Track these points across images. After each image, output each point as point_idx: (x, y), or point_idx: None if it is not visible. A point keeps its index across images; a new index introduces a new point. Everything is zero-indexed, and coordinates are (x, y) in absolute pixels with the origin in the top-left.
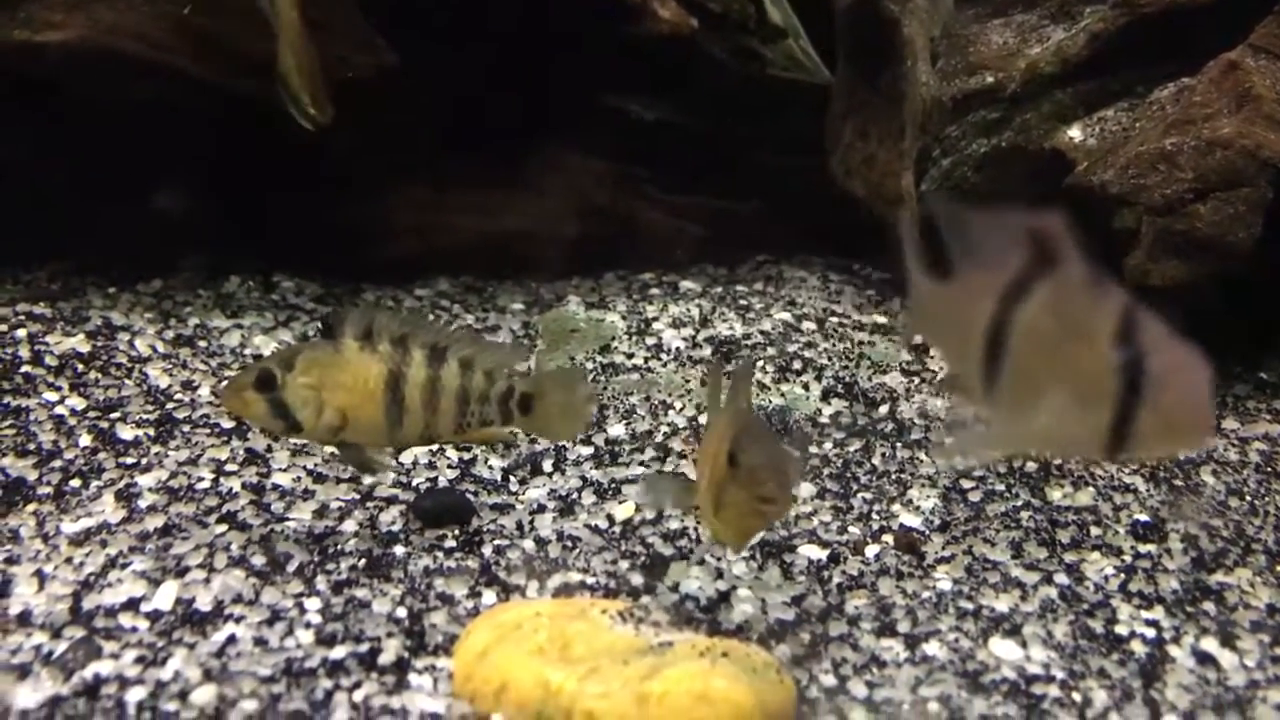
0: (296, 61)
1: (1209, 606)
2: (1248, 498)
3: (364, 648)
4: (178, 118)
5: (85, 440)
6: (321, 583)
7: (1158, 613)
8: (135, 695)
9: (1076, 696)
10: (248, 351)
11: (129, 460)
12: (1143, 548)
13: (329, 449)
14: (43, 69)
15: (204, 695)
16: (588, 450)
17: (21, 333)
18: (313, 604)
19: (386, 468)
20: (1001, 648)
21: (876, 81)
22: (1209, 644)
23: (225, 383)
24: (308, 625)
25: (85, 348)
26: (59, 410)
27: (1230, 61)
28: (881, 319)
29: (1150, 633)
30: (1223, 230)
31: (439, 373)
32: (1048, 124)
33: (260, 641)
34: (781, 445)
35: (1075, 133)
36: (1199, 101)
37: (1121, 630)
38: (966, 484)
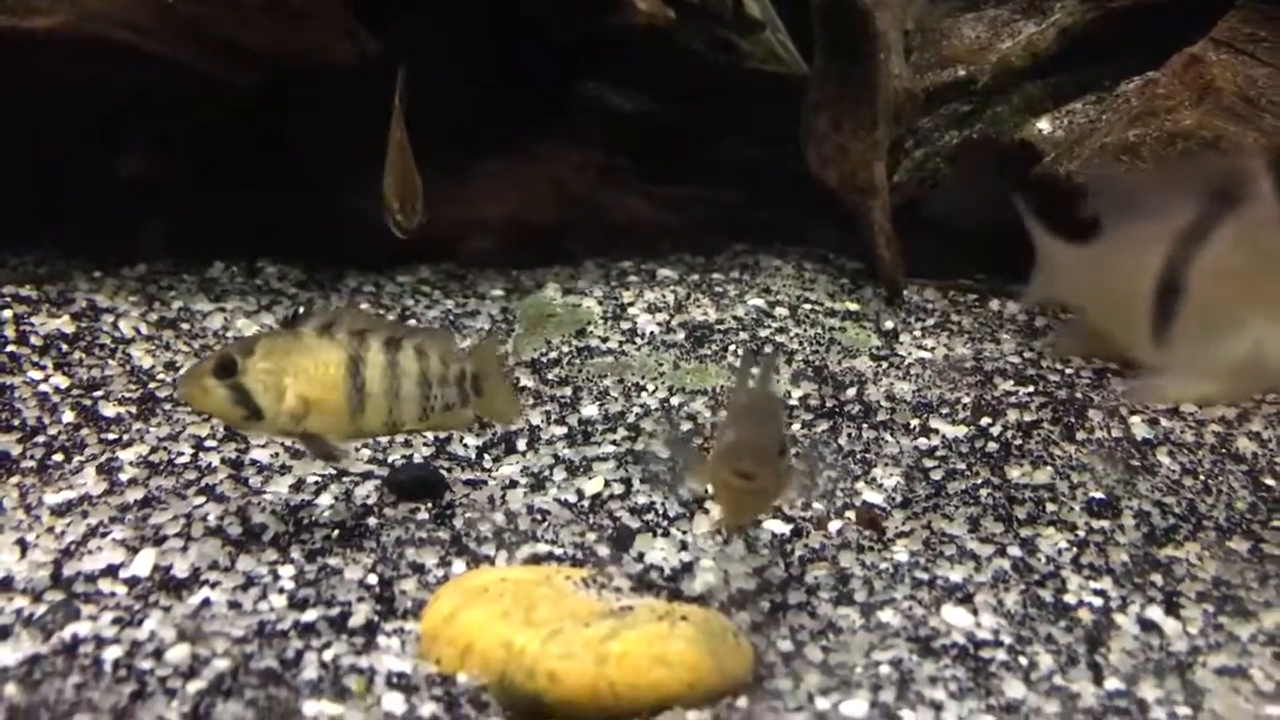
0: (393, 177)
1: (1157, 578)
2: (1201, 477)
3: (335, 611)
4: (162, 105)
5: (68, 417)
6: (296, 551)
7: (1106, 583)
8: (112, 654)
9: (1023, 660)
10: (230, 334)
11: (111, 436)
12: (1096, 523)
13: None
14: (27, 55)
15: (178, 654)
16: (561, 430)
17: (7, 313)
18: (286, 571)
19: (348, 455)
20: (953, 615)
21: (850, 74)
22: (1154, 613)
23: (181, 375)
24: (281, 590)
25: (70, 329)
26: (43, 388)
27: (1192, 55)
28: (854, 306)
29: (1098, 601)
30: None
31: (396, 358)
32: (1017, 116)
33: (234, 605)
34: (776, 428)
35: (1044, 125)
36: (1162, 94)
37: (1070, 599)
38: (929, 463)
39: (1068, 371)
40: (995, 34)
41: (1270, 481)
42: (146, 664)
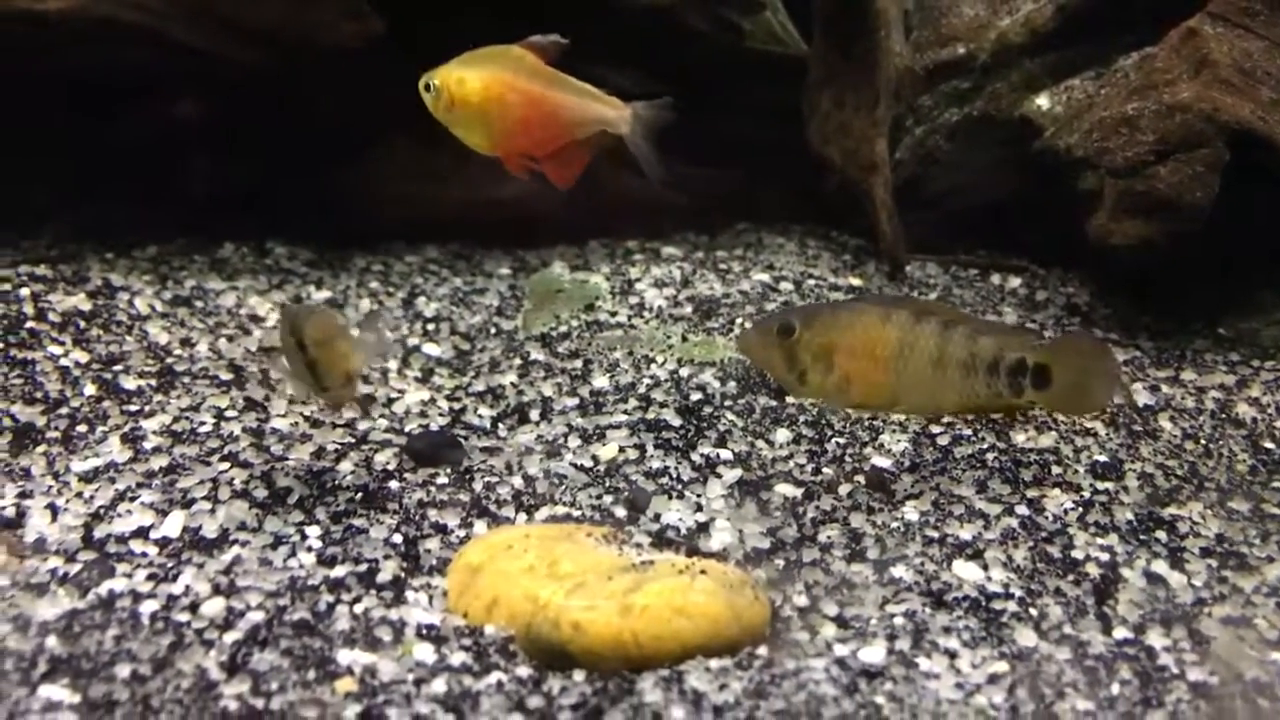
0: None
1: (1161, 535)
2: (1202, 441)
3: (363, 568)
4: (171, 85)
5: (90, 390)
6: (321, 513)
7: (1112, 539)
8: (149, 607)
9: (1034, 611)
10: (243, 311)
11: (133, 408)
12: (1101, 485)
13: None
14: (39, 37)
15: (213, 607)
16: (573, 401)
17: (25, 291)
18: (313, 531)
19: None
20: (964, 570)
21: (851, 51)
22: (1159, 566)
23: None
24: (309, 549)
25: (87, 306)
26: (64, 362)
27: (1189, 29)
28: (857, 281)
29: (1104, 557)
30: (1181, 190)
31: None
32: (1017, 93)
33: (265, 562)
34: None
35: (1043, 101)
36: (1160, 68)
37: (1078, 554)
38: (935, 429)
39: None
40: (994, 11)
41: (1269, 445)
42: (183, 617)
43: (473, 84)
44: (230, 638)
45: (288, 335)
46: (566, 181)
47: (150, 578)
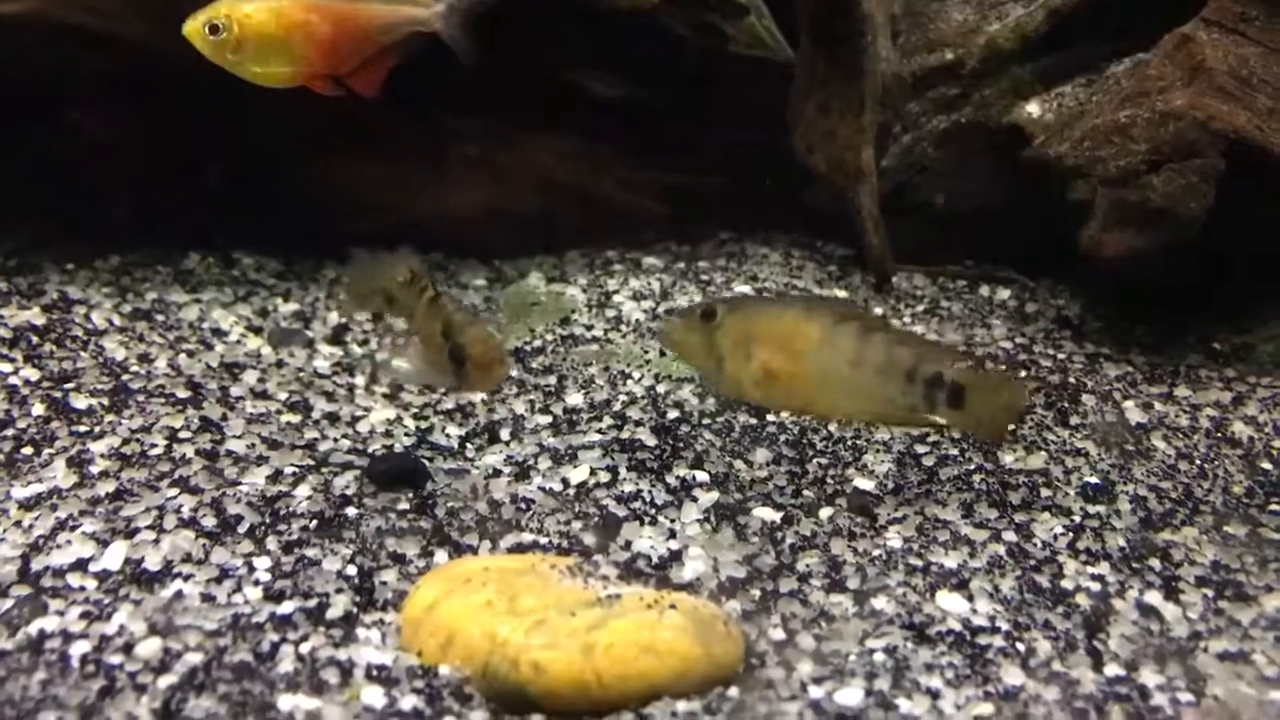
0: None
1: (1154, 563)
2: (1197, 461)
3: (312, 603)
4: (132, 90)
5: (38, 410)
6: (272, 543)
7: (1103, 568)
8: (80, 648)
9: (1021, 646)
10: (205, 325)
11: (82, 429)
12: (1092, 508)
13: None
14: None
15: (149, 648)
16: (545, 419)
17: None
18: (262, 563)
19: None
20: (949, 601)
21: (837, 58)
22: (1153, 597)
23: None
24: (256, 583)
25: (41, 320)
26: (12, 380)
27: (1183, 35)
28: (842, 293)
29: (1095, 587)
30: (1175, 201)
31: None
32: (1006, 100)
33: (208, 598)
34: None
35: (1033, 108)
36: (1153, 75)
37: (1067, 584)
38: (920, 449)
39: (1060, 356)
40: (983, 16)
41: (1266, 465)
42: (115, 659)
43: (267, 14)
44: (165, 682)
45: (438, 336)
46: (373, 90)
47: (84, 616)
